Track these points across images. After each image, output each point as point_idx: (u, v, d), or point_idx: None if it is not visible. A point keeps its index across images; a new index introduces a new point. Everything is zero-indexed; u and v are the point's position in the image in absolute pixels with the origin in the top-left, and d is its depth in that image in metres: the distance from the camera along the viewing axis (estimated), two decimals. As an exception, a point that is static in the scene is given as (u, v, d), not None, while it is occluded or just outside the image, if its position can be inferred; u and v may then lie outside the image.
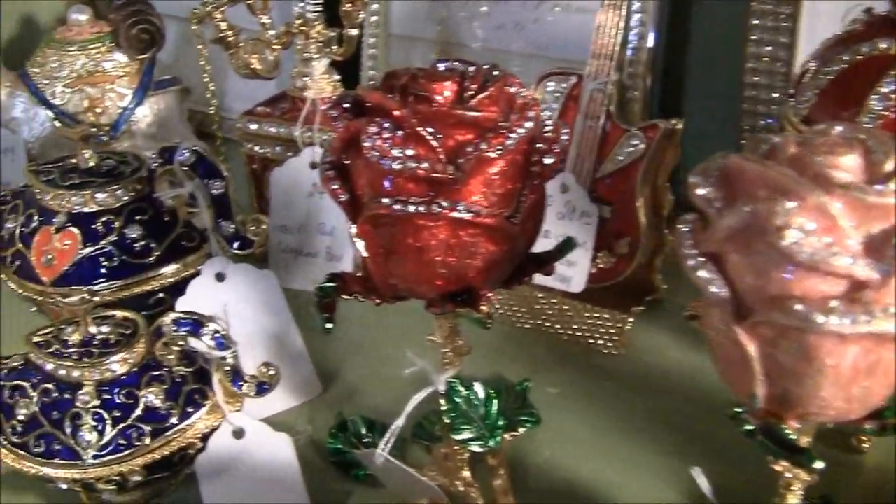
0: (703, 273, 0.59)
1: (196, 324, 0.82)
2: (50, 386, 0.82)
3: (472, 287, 0.71)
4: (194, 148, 0.94)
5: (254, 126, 1.12)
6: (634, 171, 0.99)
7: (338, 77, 1.13)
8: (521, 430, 0.88)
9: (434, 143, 0.67)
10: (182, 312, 0.83)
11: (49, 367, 0.82)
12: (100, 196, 0.97)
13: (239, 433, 0.83)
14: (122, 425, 0.81)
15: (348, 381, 1.00)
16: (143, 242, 0.96)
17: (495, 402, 0.82)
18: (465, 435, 0.80)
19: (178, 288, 0.97)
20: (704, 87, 1.17)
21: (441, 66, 0.73)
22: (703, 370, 0.98)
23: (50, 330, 0.86)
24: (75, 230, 0.96)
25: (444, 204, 0.66)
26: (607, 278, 1.01)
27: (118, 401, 0.81)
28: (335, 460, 0.89)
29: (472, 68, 0.71)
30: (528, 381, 0.92)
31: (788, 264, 0.52)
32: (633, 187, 0.99)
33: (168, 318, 0.82)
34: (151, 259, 0.96)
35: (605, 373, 0.99)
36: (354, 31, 1.07)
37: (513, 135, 0.67)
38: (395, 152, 0.67)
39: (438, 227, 0.68)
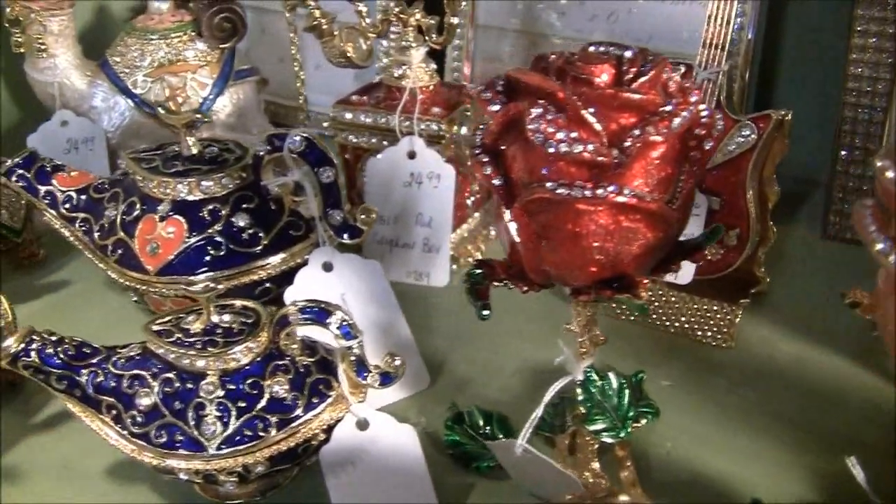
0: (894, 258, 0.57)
1: (323, 312, 0.80)
2: (171, 375, 0.81)
3: (625, 274, 0.70)
4: (305, 135, 0.92)
5: (348, 115, 1.11)
6: (745, 162, 0.98)
7: (434, 66, 1.11)
8: (643, 422, 0.86)
9: (597, 127, 0.66)
10: (307, 301, 0.81)
11: (171, 356, 0.81)
12: (205, 184, 0.95)
13: (363, 424, 0.82)
14: (247, 416, 0.79)
15: (456, 372, 0.98)
16: (250, 231, 0.94)
17: (627, 392, 0.81)
18: (599, 425, 0.79)
19: (284, 278, 0.95)
20: (801, 79, 1.15)
21: (592, 49, 0.71)
22: (814, 362, 0.97)
23: (168, 318, 0.85)
24: (181, 218, 0.95)
25: (611, 188, 0.65)
26: (715, 270, 1.00)
27: (243, 391, 0.80)
28: (453, 452, 0.88)
29: (628, 52, 0.69)
30: (642, 373, 0.90)
31: None
32: (744, 178, 0.98)
33: (294, 307, 0.80)
34: (259, 248, 0.95)
35: (715, 366, 0.97)
36: (456, 20, 1.05)
37: (677, 119, 0.66)
38: (560, 135, 0.65)
39: (599, 213, 0.66)
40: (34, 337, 0.83)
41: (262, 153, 0.95)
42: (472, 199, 1.14)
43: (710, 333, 0.99)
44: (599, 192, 0.65)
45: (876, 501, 0.69)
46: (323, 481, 0.84)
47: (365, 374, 0.82)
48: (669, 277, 0.98)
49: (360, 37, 1.10)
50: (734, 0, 0.98)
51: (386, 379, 0.82)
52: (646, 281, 0.69)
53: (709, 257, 1.00)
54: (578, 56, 0.70)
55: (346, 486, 0.81)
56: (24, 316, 0.91)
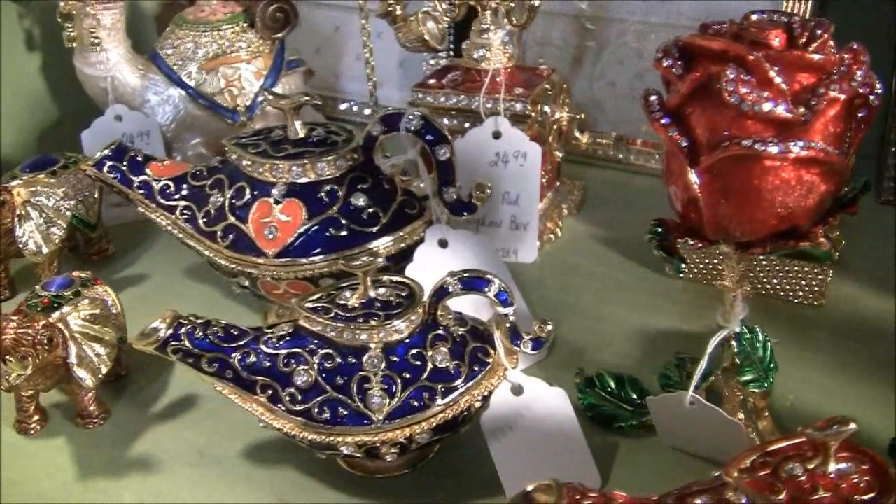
0: None
1: (482, 280, 0.82)
2: (330, 351, 0.81)
3: (797, 226, 0.74)
4: (420, 114, 0.94)
5: (429, 98, 1.12)
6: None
7: (513, 48, 1.13)
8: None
9: (783, 87, 0.69)
10: (465, 270, 0.83)
11: (330, 332, 0.81)
12: (320, 165, 0.96)
13: (518, 389, 0.84)
14: (412, 387, 0.80)
15: (567, 341, 1.01)
16: (370, 210, 0.95)
17: (769, 345, 0.85)
18: (748, 376, 0.83)
19: (400, 257, 0.97)
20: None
21: (756, 17, 0.75)
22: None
23: (320, 295, 0.85)
24: (298, 201, 0.95)
25: (800, 143, 0.69)
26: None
27: (407, 362, 0.81)
28: (592, 415, 0.91)
29: (795, 18, 0.74)
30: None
31: None
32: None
33: (452, 277, 0.82)
34: (378, 227, 0.96)
35: (810, 323, 1.02)
36: (537, 2, 1.08)
37: (856, 76, 0.70)
38: (753, 96, 0.69)
39: (785, 167, 0.70)
40: (182, 321, 0.83)
41: (375, 133, 0.96)
42: (546, 178, 1.17)
43: (801, 293, 1.03)
44: (792, 146, 0.69)
45: None
46: (470, 451, 0.87)
47: (518, 341, 0.84)
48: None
49: (432, 21, 1.12)
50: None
51: (537, 344, 0.85)
52: (819, 230, 0.73)
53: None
54: (750, 23, 0.74)
55: (507, 451, 0.83)
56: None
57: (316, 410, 0.81)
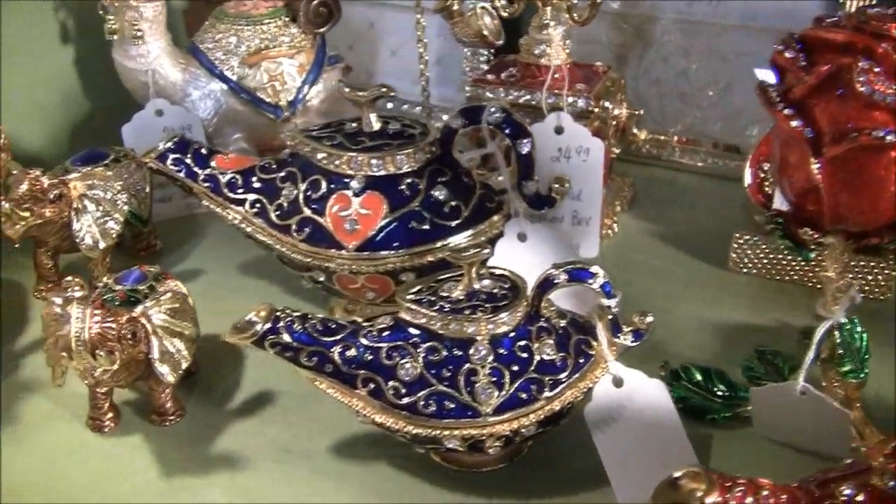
0: None
1: (586, 272, 0.82)
2: (435, 344, 0.80)
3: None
4: (502, 107, 0.94)
5: (489, 94, 1.12)
6: None
7: (569, 43, 1.14)
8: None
9: (912, 77, 0.71)
10: (569, 262, 0.83)
11: (435, 324, 0.81)
12: (399, 158, 0.95)
13: (619, 381, 0.83)
14: (520, 379, 0.80)
15: (644, 334, 1.01)
16: (452, 203, 0.95)
17: (865, 336, 0.86)
18: (847, 367, 0.84)
19: (478, 251, 0.96)
20: None
21: (873, 11, 0.76)
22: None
23: (421, 288, 0.84)
24: (378, 194, 0.94)
25: (930, 133, 0.70)
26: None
27: (515, 354, 0.80)
28: (683, 406, 0.91)
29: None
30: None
31: None
32: None
33: (557, 269, 0.82)
34: (459, 220, 0.95)
35: (875, 315, 1.03)
36: (599, -2, 1.08)
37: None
38: (884, 86, 0.70)
39: (910, 158, 0.71)
40: (279, 314, 0.81)
41: (455, 126, 0.95)
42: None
43: (867, 287, 1.05)
44: (924, 136, 0.70)
45: None
46: (564, 443, 0.86)
47: (619, 333, 0.84)
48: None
49: (488, 16, 1.11)
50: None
51: (637, 336, 0.85)
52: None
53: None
54: (869, 15, 0.75)
55: (611, 442, 0.83)
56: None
57: (422, 404, 0.79)
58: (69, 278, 0.82)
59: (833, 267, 0.82)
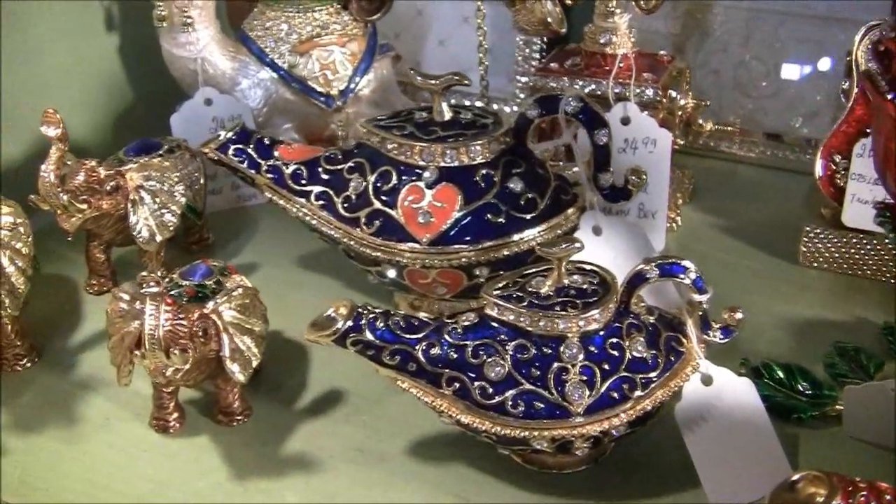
0: None
1: (678, 266, 0.79)
2: (524, 341, 0.78)
3: None
4: (579, 96, 0.91)
5: (552, 83, 1.09)
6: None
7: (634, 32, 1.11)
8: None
9: None
10: (660, 256, 0.80)
11: (524, 321, 0.78)
12: (473, 149, 0.92)
13: (708, 379, 0.81)
14: (611, 378, 0.77)
15: (718, 331, 0.98)
16: (528, 195, 0.92)
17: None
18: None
19: (553, 244, 0.93)
20: None
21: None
22: None
23: (506, 283, 0.82)
24: (453, 185, 0.91)
25: None
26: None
27: (606, 352, 0.78)
28: (767, 405, 0.88)
29: None
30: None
31: None
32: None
33: (648, 264, 0.79)
34: (535, 213, 0.92)
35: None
36: (668, -16, 1.05)
37: None
38: None
39: None
40: (360, 311, 0.79)
41: (531, 116, 0.92)
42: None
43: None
44: None
45: None
46: (648, 442, 0.84)
47: (708, 329, 0.82)
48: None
49: (551, 2, 1.09)
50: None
51: (727, 332, 0.82)
52: None
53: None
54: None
55: (702, 442, 0.80)
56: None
57: (510, 404, 0.77)
58: (144, 273, 0.79)
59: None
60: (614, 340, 0.78)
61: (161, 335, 0.80)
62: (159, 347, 0.80)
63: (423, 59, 1.41)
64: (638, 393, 0.78)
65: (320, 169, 0.96)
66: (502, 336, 0.78)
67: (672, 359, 0.80)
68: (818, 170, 1.05)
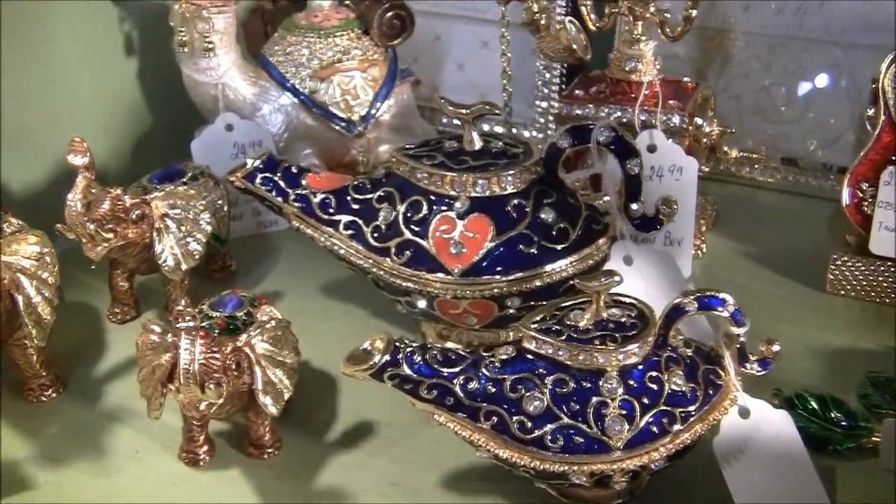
0: None
1: (716, 299, 0.79)
2: (563, 375, 0.77)
3: None
4: (612, 126, 0.91)
5: (579, 111, 1.09)
6: None
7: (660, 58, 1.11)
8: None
9: None
10: (698, 290, 0.80)
11: (562, 354, 0.77)
12: (504, 179, 0.91)
13: (745, 412, 0.81)
14: (652, 412, 0.77)
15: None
16: (560, 226, 0.92)
17: None
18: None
19: (585, 274, 0.93)
20: None
21: None
22: None
23: (543, 316, 0.81)
24: (485, 216, 0.91)
25: None
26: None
27: (645, 386, 0.77)
28: (802, 437, 0.88)
29: None
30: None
31: None
32: None
33: (687, 297, 0.79)
34: (567, 244, 0.92)
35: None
36: (695, 12, 1.05)
37: None
38: None
39: None
40: (398, 345, 0.78)
41: (562, 146, 0.92)
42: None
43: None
44: None
45: None
46: (683, 475, 0.83)
47: (746, 361, 0.81)
48: None
49: (576, 30, 1.09)
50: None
51: (764, 365, 0.82)
52: None
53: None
54: None
55: (741, 476, 0.80)
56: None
57: (549, 438, 0.76)
58: (180, 308, 0.79)
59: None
60: (653, 374, 0.78)
61: (196, 370, 0.79)
62: (194, 382, 0.79)
63: (441, 83, 1.40)
64: (677, 427, 0.77)
65: (349, 198, 0.96)
66: (541, 370, 0.78)
67: (710, 392, 0.79)
68: (845, 198, 1.05)
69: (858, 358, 0.98)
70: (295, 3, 1.27)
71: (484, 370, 0.78)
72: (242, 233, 1.19)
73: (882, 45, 1.12)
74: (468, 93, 1.34)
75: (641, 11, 1.07)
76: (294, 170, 0.98)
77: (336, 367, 0.95)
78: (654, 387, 0.77)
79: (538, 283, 0.90)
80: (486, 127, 1.35)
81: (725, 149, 1.12)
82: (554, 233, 0.91)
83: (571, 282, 0.91)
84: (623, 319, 0.80)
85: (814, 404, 0.90)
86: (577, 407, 0.76)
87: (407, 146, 0.97)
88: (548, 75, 1.31)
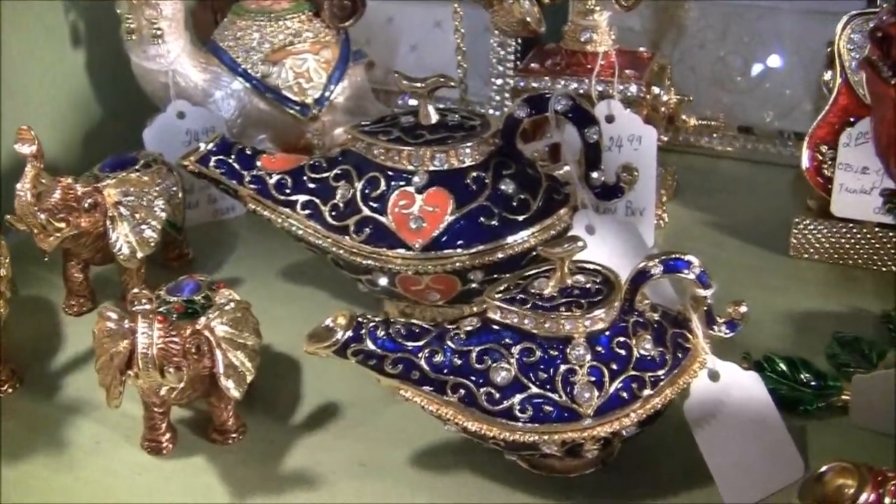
0: None
1: (681, 262, 0.78)
2: (529, 344, 0.76)
3: None
4: (569, 94, 0.90)
5: (535, 83, 1.08)
6: None
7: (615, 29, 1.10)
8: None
9: None
10: (663, 253, 0.79)
11: (528, 323, 0.76)
12: (462, 151, 0.90)
13: (715, 375, 0.80)
14: (621, 377, 0.76)
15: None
16: (521, 196, 0.91)
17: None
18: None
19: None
20: None
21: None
22: None
23: (507, 286, 0.80)
24: (444, 189, 0.89)
25: None
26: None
27: (613, 352, 0.76)
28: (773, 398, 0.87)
29: None
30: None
31: None
32: None
33: (652, 261, 0.78)
34: (529, 214, 0.91)
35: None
36: (647, -19, 1.05)
37: None
38: None
39: None
40: (360, 320, 0.77)
41: (520, 116, 0.91)
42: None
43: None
44: None
45: None
46: (651, 442, 0.82)
47: (713, 324, 0.81)
48: None
49: (529, 2, 1.07)
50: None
51: (732, 326, 0.81)
52: None
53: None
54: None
55: (712, 439, 0.79)
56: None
57: (518, 408, 0.75)
58: (136, 291, 0.76)
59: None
60: (621, 339, 0.77)
61: (154, 353, 0.77)
62: (153, 366, 0.77)
63: (394, 65, 1.38)
64: (647, 392, 0.76)
65: (305, 177, 0.94)
66: (507, 340, 0.77)
67: (679, 355, 0.79)
68: (805, 161, 1.05)
69: (825, 319, 0.98)
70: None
71: (449, 342, 0.77)
72: (199, 220, 1.16)
73: (834, 12, 1.12)
74: (423, 73, 1.30)
75: (592, -19, 1.06)
76: (248, 151, 0.97)
77: (298, 350, 0.95)
78: (623, 352, 0.76)
79: (500, 256, 0.89)
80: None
81: (684, 117, 1.12)
82: (514, 204, 0.90)
83: (534, 253, 0.91)
84: (588, 286, 0.79)
85: (783, 366, 0.89)
86: (545, 375, 0.75)
87: (362, 123, 0.96)
88: (502, 52, 1.29)
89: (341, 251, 0.92)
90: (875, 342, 0.91)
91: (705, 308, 0.80)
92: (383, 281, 0.92)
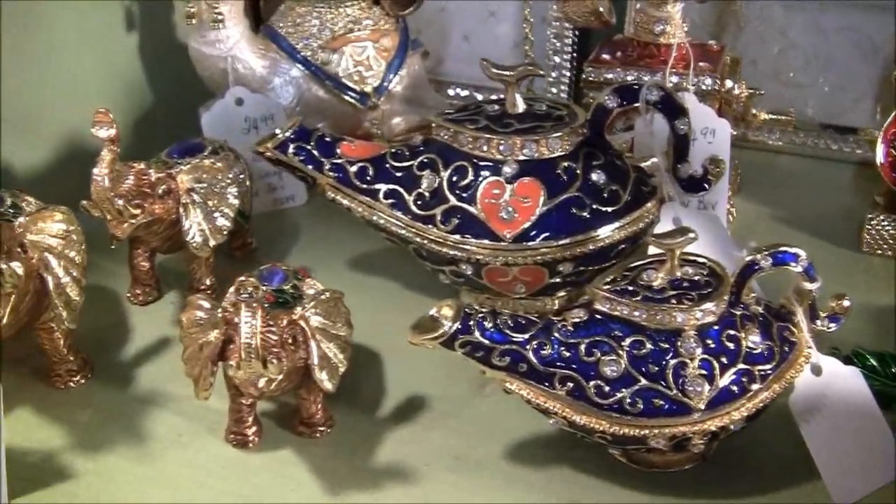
0: None
1: (791, 255, 0.77)
2: (640, 336, 0.75)
3: None
4: (660, 86, 0.89)
5: (608, 74, 1.07)
6: None
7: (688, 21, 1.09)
8: None
9: None
10: (771, 245, 0.78)
11: (638, 315, 0.75)
12: (552, 141, 0.89)
13: (818, 369, 0.79)
14: (731, 371, 0.75)
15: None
16: (612, 188, 0.89)
17: None
18: None
19: (635, 238, 0.91)
20: None
21: None
22: None
23: (614, 277, 0.79)
24: (535, 179, 0.88)
25: None
26: None
27: (723, 345, 0.75)
28: (867, 394, 0.87)
29: None
30: None
31: None
32: None
33: (760, 253, 0.77)
34: (619, 206, 0.89)
35: None
36: (724, -27, 1.04)
37: None
38: None
39: None
40: (468, 311, 0.75)
41: (610, 107, 0.90)
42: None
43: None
44: None
45: None
46: (750, 436, 0.81)
47: (816, 318, 0.80)
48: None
49: (599, -6, 1.06)
50: None
51: (835, 320, 0.81)
52: None
53: None
54: None
55: (818, 434, 0.78)
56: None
57: (628, 402, 0.74)
58: (243, 278, 0.74)
59: None
60: (731, 332, 0.76)
61: (258, 344, 0.75)
62: (256, 357, 0.75)
63: (446, 55, 1.37)
64: (756, 385, 0.76)
65: (388, 166, 0.93)
66: (616, 332, 0.76)
67: (786, 349, 0.78)
68: (879, 156, 1.04)
69: (902, 314, 0.97)
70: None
71: (556, 334, 0.76)
72: (259, 210, 1.14)
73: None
74: (474, 64, 1.29)
75: (667, -26, 1.05)
76: (328, 138, 0.95)
77: (374, 341, 0.94)
78: (732, 346, 0.75)
79: (591, 247, 0.88)
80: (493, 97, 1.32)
81: (754, 111, 1.11)
82: (605, 195, 0.89)
83: (622, 246, 0.90)
84: (697, 278, 0.78)
85: (873, 361, 0.88)
86: (656, 368, 0.74)
87: (446, 112, 0.94)
88: (558, 44, 1.28)
89: (426, 241, 0.90)
90: (962, 338, 0.90)
91: (810, 302, 0.79)
92: (468, 272, 0.90)
